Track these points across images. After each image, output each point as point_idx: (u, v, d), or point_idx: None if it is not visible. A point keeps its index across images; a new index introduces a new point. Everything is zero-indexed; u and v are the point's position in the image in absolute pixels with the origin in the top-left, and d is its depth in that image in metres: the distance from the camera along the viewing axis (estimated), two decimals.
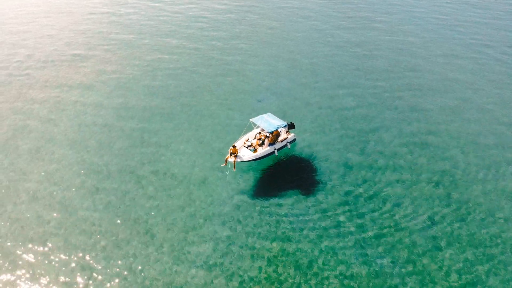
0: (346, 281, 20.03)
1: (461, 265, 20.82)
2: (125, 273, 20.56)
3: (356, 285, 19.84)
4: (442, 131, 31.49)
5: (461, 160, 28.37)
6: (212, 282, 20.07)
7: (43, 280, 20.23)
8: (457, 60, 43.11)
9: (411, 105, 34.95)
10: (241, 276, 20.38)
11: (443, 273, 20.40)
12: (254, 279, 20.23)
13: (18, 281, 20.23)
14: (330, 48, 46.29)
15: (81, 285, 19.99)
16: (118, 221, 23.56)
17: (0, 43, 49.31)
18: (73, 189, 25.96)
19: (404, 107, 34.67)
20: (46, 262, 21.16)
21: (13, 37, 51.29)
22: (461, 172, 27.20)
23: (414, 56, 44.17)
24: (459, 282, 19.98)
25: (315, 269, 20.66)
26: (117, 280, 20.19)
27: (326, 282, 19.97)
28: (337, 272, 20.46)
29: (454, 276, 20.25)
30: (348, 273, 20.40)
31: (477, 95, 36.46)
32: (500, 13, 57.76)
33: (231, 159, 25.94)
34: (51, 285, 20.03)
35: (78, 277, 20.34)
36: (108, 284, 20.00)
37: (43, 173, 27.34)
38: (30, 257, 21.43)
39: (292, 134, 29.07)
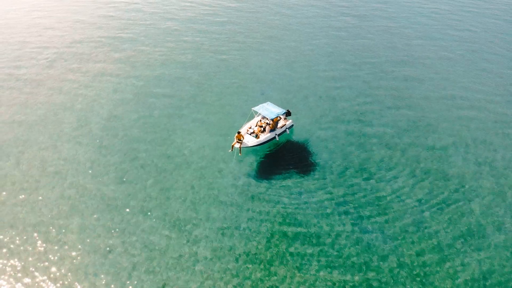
0: (344, 260, 22.85)
1: (452, 246, 24.07)
2: (138, 245, 23.13)
3: (356, 261, 22.73)
4: (438, 119, 34.81)
5: (458, 144, 31.69)
6: (215, 261, 22.81)
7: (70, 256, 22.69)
8: (453, 49, 46.48)
9: (408, 95, 38.17)
10: (245, 253, 23.06)
11: (433, 248, 23.65)
12: (257, 256, 22.82)
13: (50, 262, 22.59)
14: (331, 42, 48.99)
15: (97, 257, 22.45)
16: (132, 198, 25.97)
17: (30, 32, 51.50)
18: (92, 169, 28.19)
19: (401, 97, 37.81)
20: (66, 240, 23.52)
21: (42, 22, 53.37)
22: (456, 155, 30.53)
23: (414, 51, 47.26)
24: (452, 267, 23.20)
25: (316, 245, 23.47)
26: (130, 252, 22.72)
27: (326, 258, 22.59)
28: (338, 251, 23.31)
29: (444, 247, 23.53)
30: (348, 251, 23.26)
31: (477, 87, 39.86)
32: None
33: (237, 145, 28.51)
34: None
35: (94, 250, 22.79)
36: (123, 254, 22.50)
37: (63, 159, 29.40)
38: (63, 233, 23.74)
39: (290, 121, 31.75)
